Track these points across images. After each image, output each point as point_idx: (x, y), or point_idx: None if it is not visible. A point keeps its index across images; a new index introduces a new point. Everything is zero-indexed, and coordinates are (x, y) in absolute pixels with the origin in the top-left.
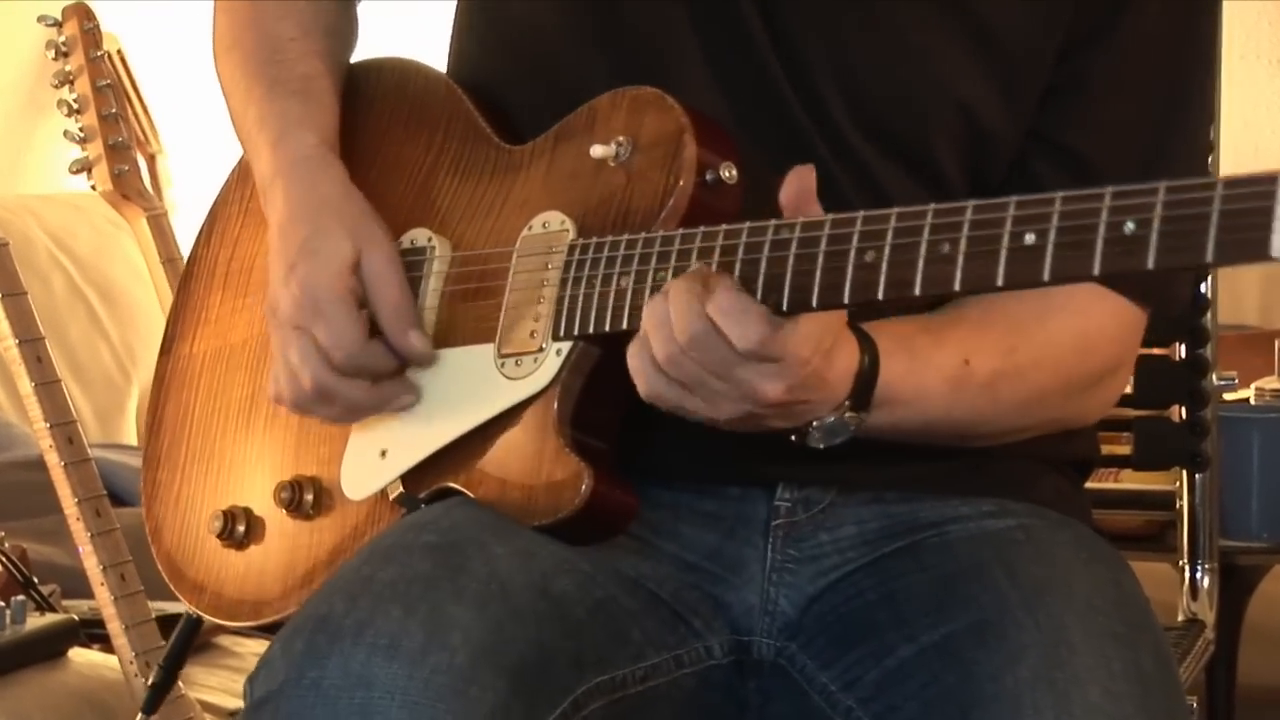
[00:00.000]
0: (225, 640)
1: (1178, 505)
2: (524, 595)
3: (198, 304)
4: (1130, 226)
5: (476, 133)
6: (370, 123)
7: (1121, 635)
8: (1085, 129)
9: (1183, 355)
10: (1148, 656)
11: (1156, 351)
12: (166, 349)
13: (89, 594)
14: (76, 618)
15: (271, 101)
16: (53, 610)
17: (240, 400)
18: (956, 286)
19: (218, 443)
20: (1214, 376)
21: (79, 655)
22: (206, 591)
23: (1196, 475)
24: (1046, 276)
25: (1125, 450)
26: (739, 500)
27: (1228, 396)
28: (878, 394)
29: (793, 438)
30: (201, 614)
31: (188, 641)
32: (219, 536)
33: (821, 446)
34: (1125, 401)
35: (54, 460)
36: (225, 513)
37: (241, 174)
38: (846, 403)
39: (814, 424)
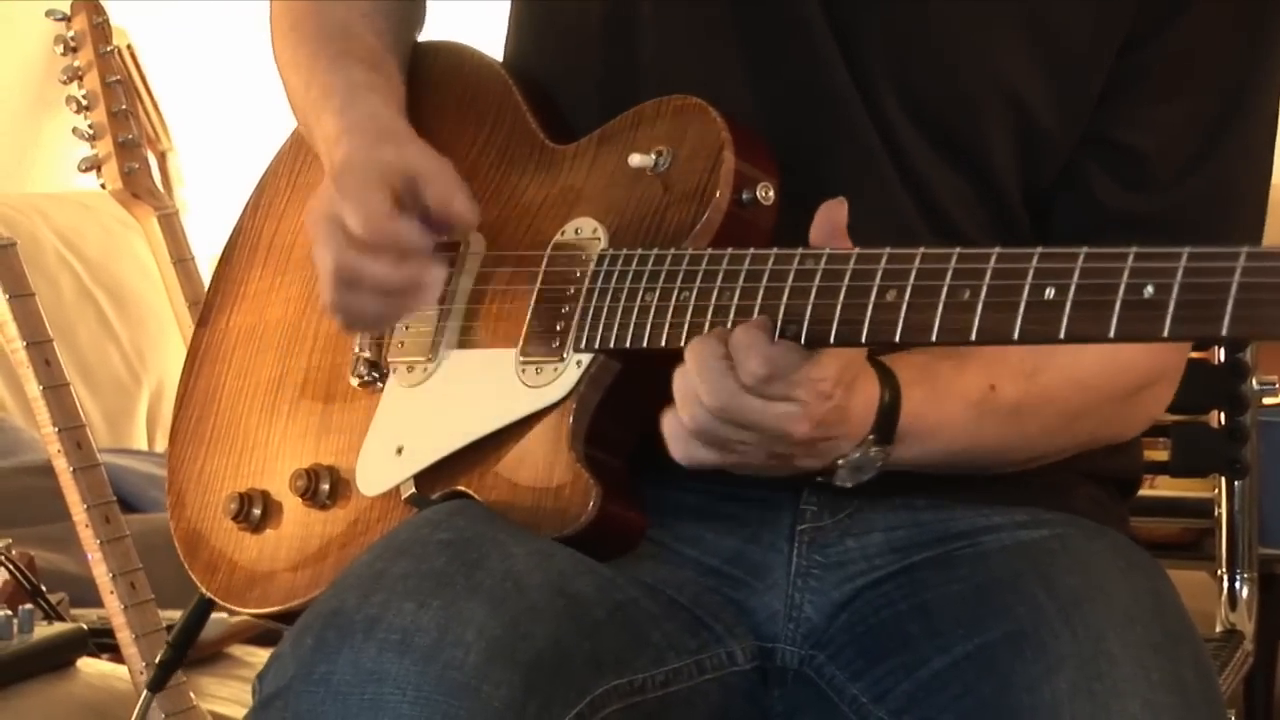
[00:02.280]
0: (237, 650)
1: (1216, 513)
2: (541, 593)
3: (239, 277)
4: (1149, 290)
5: (523, 128)
6: (422, 107)
7: (1161, 645)
8: (1135, 125)
9: (1222, 359)
10: (1188, 667)
11: (1195, 355)
12: (204, 320)
13: (98, 602)
14: (85, 627)
15: (336, 72)
16: (61, 619)
17: (268, 381)
18: (973, 336)
19: (243, 422)
20: (1254, 381)
21: (88, 665)
22: (219, 573)
23: (1235, 482)
24: (1062, 334)
25: (1162, 456)
26: (763, 504)
27: (1268, 401)
28: (901, 426)
29: (819, 478)
30: (212, 596)
31: (199, 621)
32: (234, 519)
33: (849, 485)
34: None
35: (62, 465)
36: (243, 495)
37: (294, 144)
38: (871, 437)
39: (840, 461)
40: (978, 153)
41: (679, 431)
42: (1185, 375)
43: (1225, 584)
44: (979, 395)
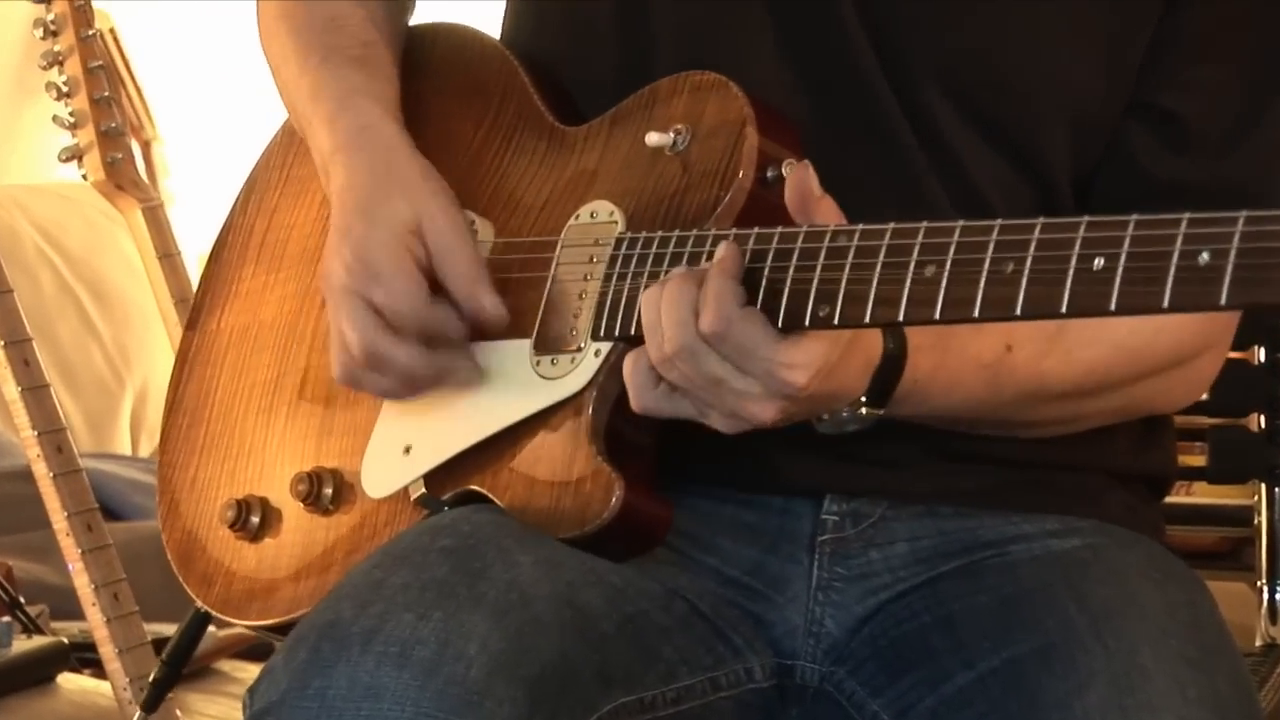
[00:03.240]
0: (225, 665)
1: (1256, 521)
2: (547, 605)
3: (229, 276)
4: (1205, 257)
5: (531, 110)
6: (421, 93)
7: (1196, 660)
8: (1177, 88)
9: (1261, 359)
10: (1225, 682)
11: (1233, 355)
12: (193, 323)
13: (80, 615)
14: (66, 640)
15: (328, 71)
16: (41, 632)
17: (265, 383)
18: (1018, 311)
19: (238, 426)
20: None
21: (69, 681)
22: (215, 584)
23: (1276, 489)
24: (1113, 306)
25: (1199, 461)
26: (783, 512)
27: None
28: (902, 389)
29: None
30: (208, 609)
31: (195, 636)
32: (231, 527)
33: (831, 433)
34: (1199, 409)
35: (42, 471)
36: (240, 502)
37: (285, 137)
38: (861, 399)
39: (824, 416)
40: (1020, 131)
41: (638, 368)
42: (1223, 376)
43: (1265, 596)
44: (993, 357)
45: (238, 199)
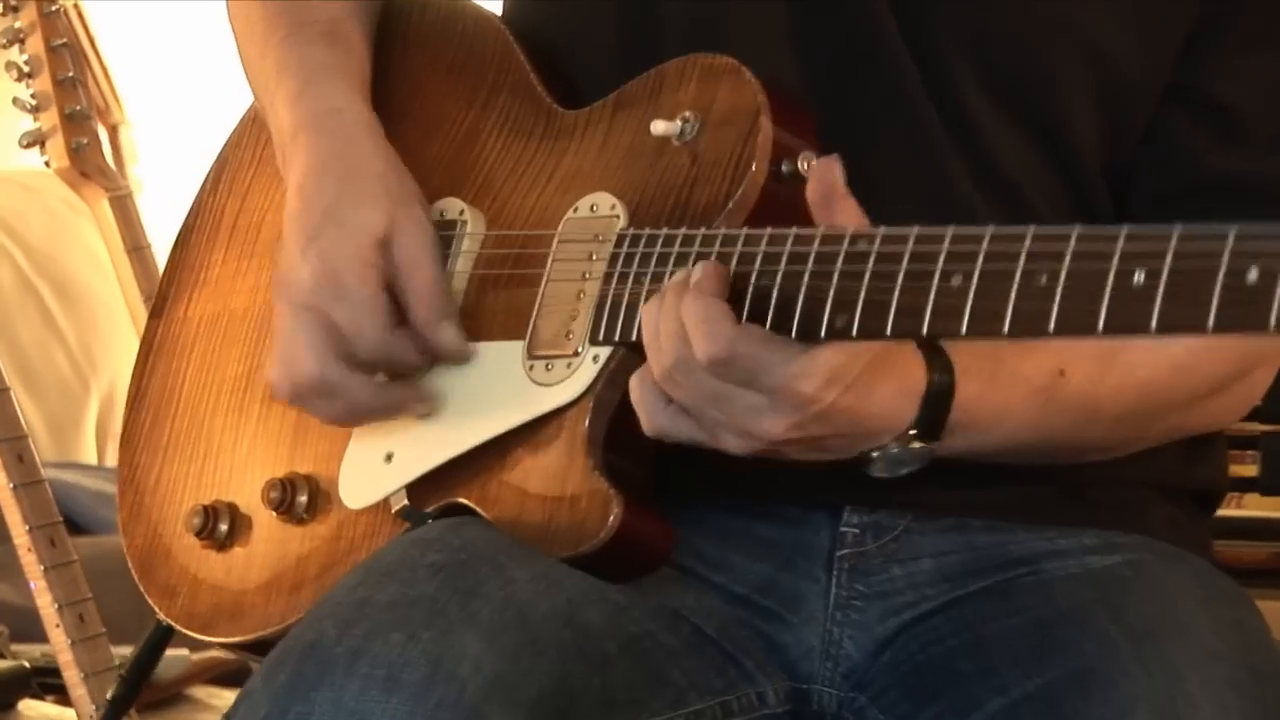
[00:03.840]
0: (199, 691)
1: None
2: (545, 623)
3: (198, 261)
4: (1254, 275)
5: (527, 90)
6: (406, 70)
7: (1246, 685)
8: (1226, 76)
9: None
10: (1275, 709)
11: None
12: (158, 310)
13: (42, 637)
14: (28, 664)
15: (293, 48)
16: (0, 656)
17: (235, 378)
18: (1051, 328)
19: (205, 425)
20: None
21: (30, 708)
22: (179, 596)
23: None
24: (1153, 325)
25: (1250, 472)
26: (798, 525)
27: None
28: (952, 418)
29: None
30: (172, 623)
31: (156, 651)
32: (198, 535)
33: (886, 476)
34: (1250, 415)
35: (1, 481)
36: (207, 508)
37: (256, 115)
38: (911, 432)
39: (874, 454)
40: (1051, 112)
41: (646, 387)
42: (1278, 380)
43: None
44: (1045, 380)
45: (207, 178)
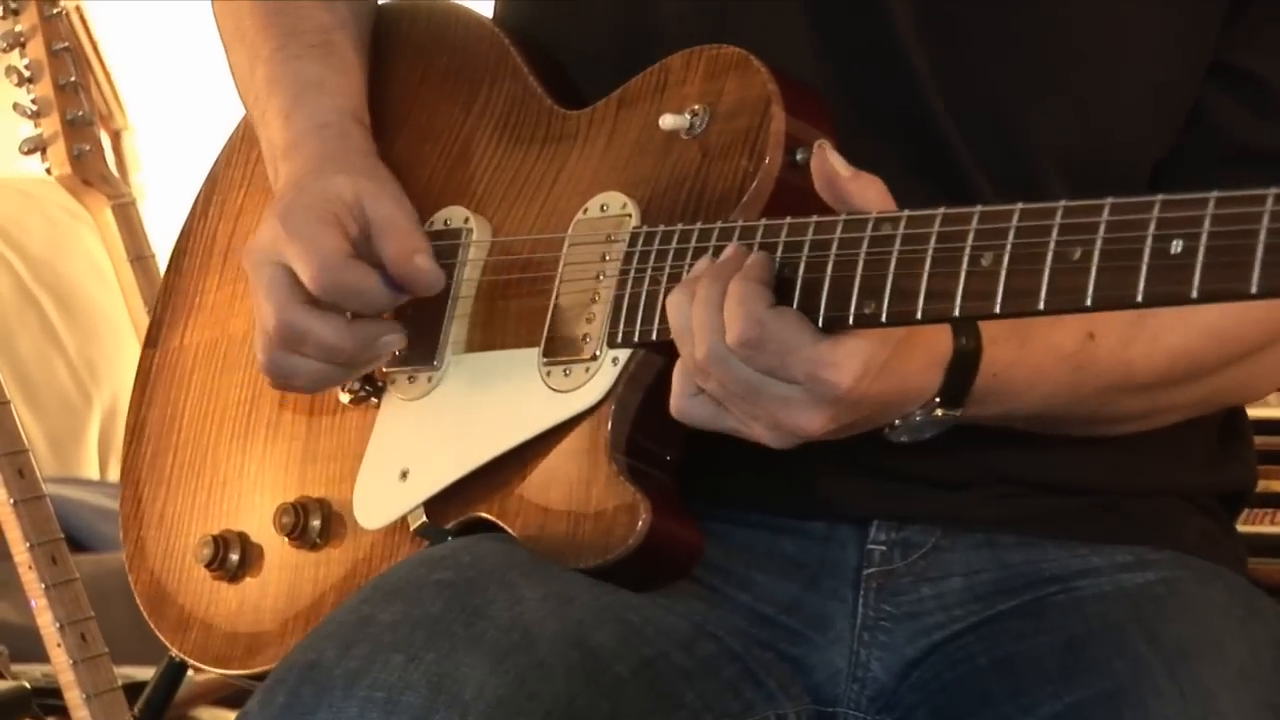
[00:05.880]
0: (204, 714)
1: None
2: (554, 645)
3: (191, 287)
4: None
5: (527, 93)
6: (401, 78)
7: (1278, 706)
8: (1258, 48)
9: None
10: None
11: None
12: (153, 340)
13: (43, 657)
14: (29, 685)
15: (283, 61)
16: (0, 676)
17: (238, 404)
18: (1088, 302)
19: (210, 454)
20: None
21: None
22: (192, 630)
23: None
24: (1194, 293)
25: None
26: (825, 541)
27: None
28: (979, 387)
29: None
30: (185, 658)
31: (170, 688)
32: (208, 566)
33: (906, 440)
34: None
35: (1, 497)
36: (216, 539)
37: (247, 132)
38: (936, 399)
39: (897, 421)
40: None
41: (681, 371)
42: None
43: None
44: (1075, 345)
45: (197, 201)
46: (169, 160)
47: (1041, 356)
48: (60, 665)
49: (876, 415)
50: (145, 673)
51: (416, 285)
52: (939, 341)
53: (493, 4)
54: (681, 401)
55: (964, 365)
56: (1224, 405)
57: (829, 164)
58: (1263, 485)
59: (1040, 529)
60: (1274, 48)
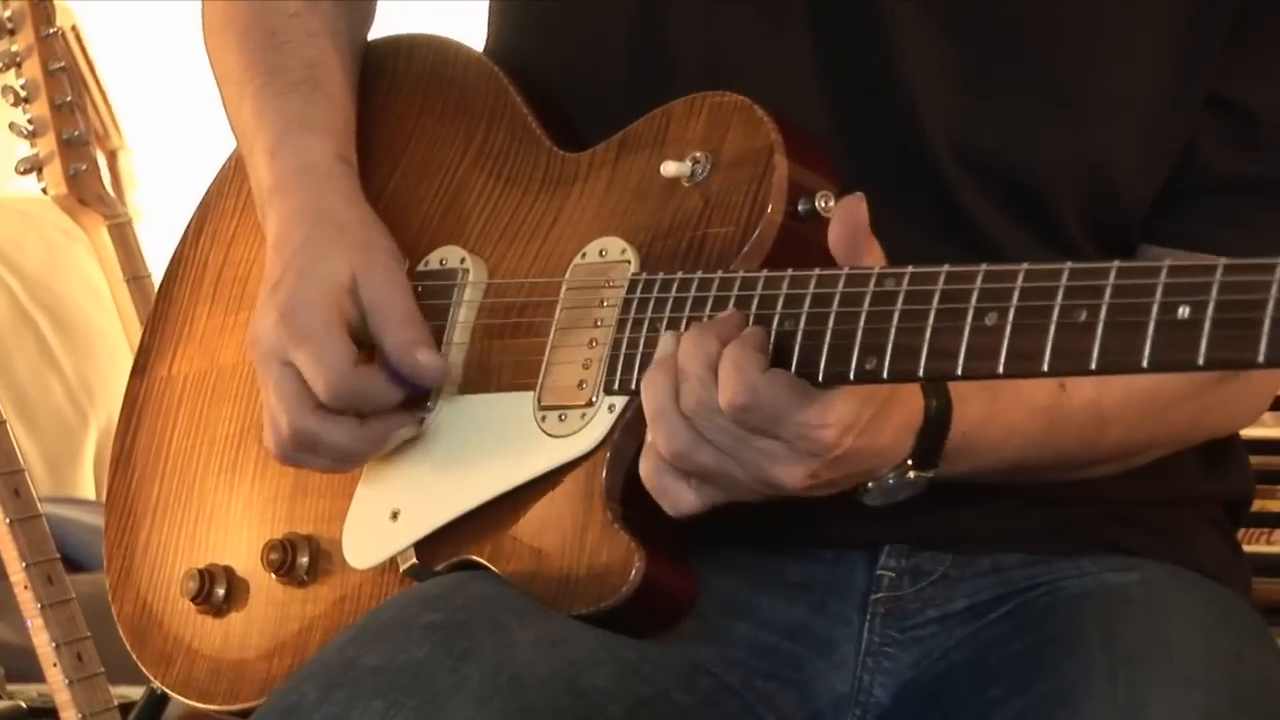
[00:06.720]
0: None
1: None
2: (543, 688)
3: (182, 315)
4: None
5: (525, 133)
6: (395, 115)
7: (1220, 713)
8: (1247, 78)
9: None
10: None
11: None
12: (141, 368)
13: (39, 676)
14: (24, 705)
15: (269, 98)
16: None
17: (227, 437)
18: (1093, 365)
19: (197, 486)
20: None
21: None
22: (175, 664)
23: None
24: (1200, 360)
25: None
26: (833, 565)
27: None
28: (951, 445)
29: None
30: (167, 691)
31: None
32: (193, 600)
33: (878, 505)
34: None
35: None
36: (202, 572)
37: (239, 161)
38: (908, 462)
39: (869, 485)
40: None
41: (660, 470)
42: None
43: None
44: (1048, 399)
45: (188, 228)
46: (165, 180)
47: (1011, 411)
48: (56, 685)
49: (855, 473)
50: (141, 693)
51: (422, 380)
52: (912, 401)
53: (484, 34)
54: (680, 503)
55: (935, 426)
56: (1203, 437)
57: (858, 217)
58: (1258, 505)
59: (1047, 544)
60: (1258, 76)
